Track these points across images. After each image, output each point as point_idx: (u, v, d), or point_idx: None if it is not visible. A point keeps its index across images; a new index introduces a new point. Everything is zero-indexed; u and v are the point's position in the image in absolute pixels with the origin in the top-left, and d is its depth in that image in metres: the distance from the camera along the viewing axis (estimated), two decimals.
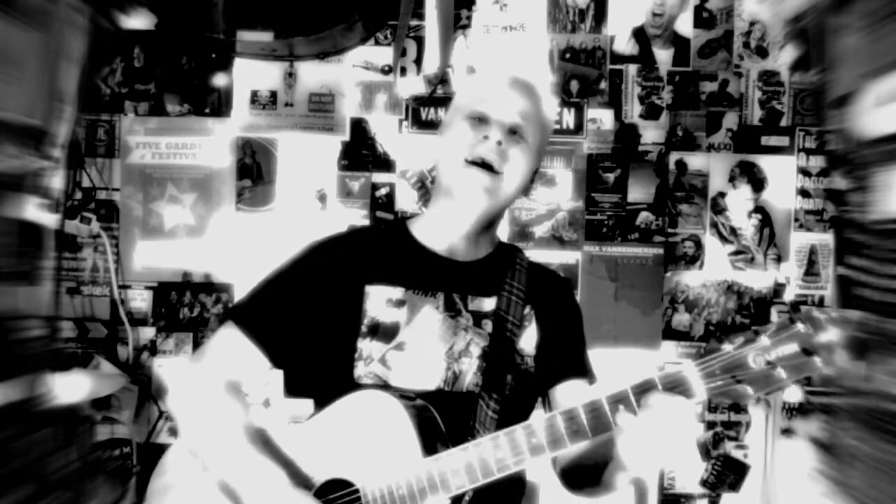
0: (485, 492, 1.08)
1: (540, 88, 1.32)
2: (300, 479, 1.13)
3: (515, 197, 1.30)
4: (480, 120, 1.24)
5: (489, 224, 1.32)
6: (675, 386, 0.96)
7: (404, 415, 1.09)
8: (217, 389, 1.19)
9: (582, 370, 1.33)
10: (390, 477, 1.08)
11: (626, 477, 1.05)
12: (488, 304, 1.28)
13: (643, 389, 0.97)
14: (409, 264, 1.28)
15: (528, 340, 1.30)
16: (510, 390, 1.24)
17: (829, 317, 0.90)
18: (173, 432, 2.52)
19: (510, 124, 1.24)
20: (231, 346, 1.24)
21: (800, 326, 0.91)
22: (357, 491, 1.10)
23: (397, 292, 1.24)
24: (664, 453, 0.94)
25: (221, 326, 1.27)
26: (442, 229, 1.31)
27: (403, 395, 1.14)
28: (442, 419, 1.14)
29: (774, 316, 2.55)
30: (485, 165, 1.22)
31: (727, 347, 0.95)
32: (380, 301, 1.24)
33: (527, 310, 1.30)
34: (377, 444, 1.09)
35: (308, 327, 1.24)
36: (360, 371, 1.21)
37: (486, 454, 1.03)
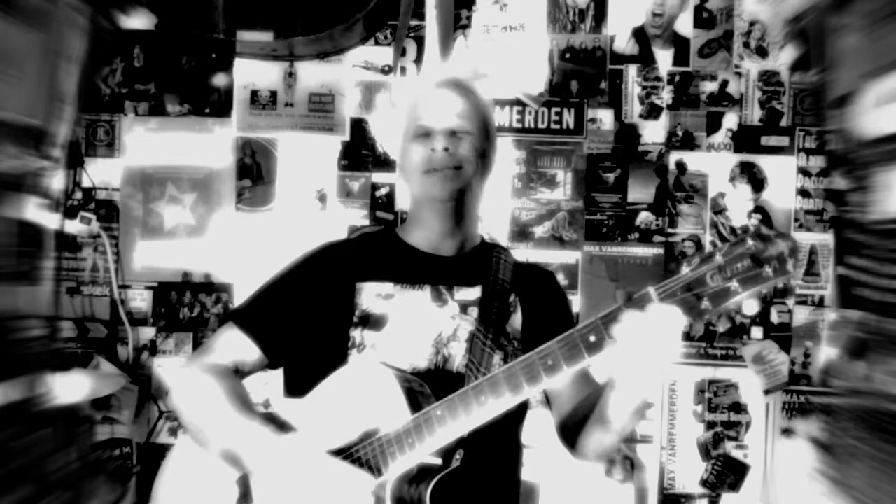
0: (478, 458, 1.13)
1: (469, 81, 1.42)
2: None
3: (479, 179, 1.36)
4: (425, 135, 1.34)
5: (462, 216, 1.37)
6: (642, 307, 1.00)
7: (395, 383, 1.14)
8: (210, 373, 1.25)
9: None
10: (381, 434, 1.12)
11: (617, 400, 1.07)
12: (473, 293, 1.34)
13: (611, 318, 1.01)
14: (396, 262, 1.36)
15: (515, 324, 1.35)
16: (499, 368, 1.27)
17: (777, 232, 0.96)
18: (173, 432, 2.52)
19: (451, 128, 1.33)
20: (227, 342, 1.30)
21: (750, 242, 0.96)
22: (351, 454, 1.14)
23: (387, 287, 1.32)
24: (639, 361, 0.99)
25: (221, 327, 1.34)
26: (424, 230, 1.38)
27: (398, 370, 1.19)
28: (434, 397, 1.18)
29: (774, 316, 2.55)
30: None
31: (685, 269, 1.00)
32: (370, 295, 1.31)
33: (511, 297, 1.36)
34: (369, 409, 1.14)
35: (303, 323, 1.30)
36: (355, 359, 1.26)
37: (470, 401, 1.08)
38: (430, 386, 1.19)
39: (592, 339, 1.02)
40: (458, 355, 1.28)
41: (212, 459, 1.20)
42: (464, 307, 1.32)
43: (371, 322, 1.28)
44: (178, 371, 1.31)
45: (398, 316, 1.29)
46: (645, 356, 0.99)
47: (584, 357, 1.03)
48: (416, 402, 1.14)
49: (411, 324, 1.29)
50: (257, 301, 1.34)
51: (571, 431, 1.28)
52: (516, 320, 1.36)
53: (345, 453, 1.14)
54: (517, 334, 1.34)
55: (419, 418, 1.10)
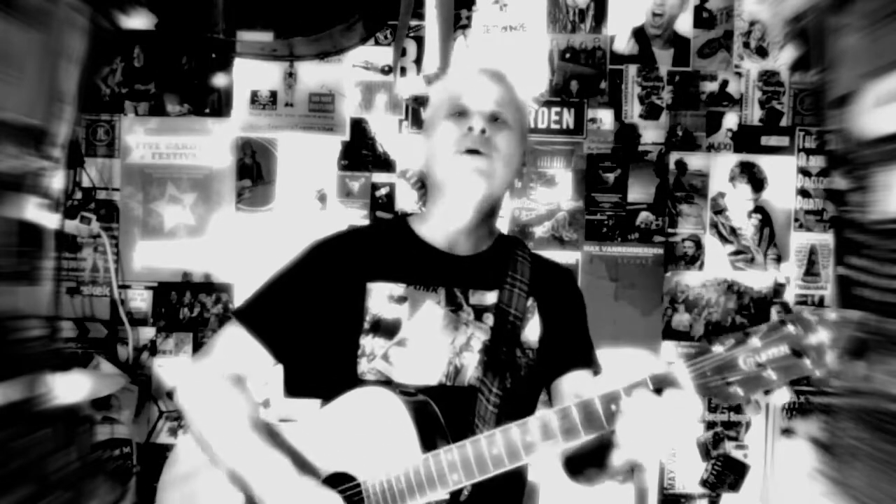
0: (484, 487, 1.10)
1: (510, 76, 1.36)
2: (308, 470, 1.14)
3: (510, 181, 1.32)
4: (461, 114, 1.27)
5: (488, 214, 1.32)
6: (666, 386, 0.97)
7: (404, 411, 1.10)
8: (222, 383, 1.22)
9: (585, 360, 1.33)
10: (390, 471, 1.10)
11: (622, 460, 1.05)
12: (490, 297, 1.29)
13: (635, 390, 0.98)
14: (410, 260, 1.29)
15: (531, 333, 1.31)
16: (511, 384, 1.25)
17: (819, 318, 0.90)
18: (173, 432, 2.52)
19: (490, 112, 1.27)
20: (234, 342, 1.26)
21: (790, 328, 0.90)
22: (359, 485, 1.12)
23: (398, 288, 1.26)
24: (656, 448, 0.97)
25: (225, 325, 1.29)
26: (442, 225, 1.31)
27: (404, 392, 1.16)
28: (443, 414, 1.16)
29: (774, 316, 2.55)
30: (474, 152, 1.25)
31: (718, 349, 0.94)
32: (381, 297, 1.25)
33: (529, 302, 1.31)
34: (378, 439, 1.11)
35: (311, 324, 1.26)
36: (364, 368, 1.23)
37: (482, 451, 1.05)
38: (441, 403, 1.16)
39: (613, 408, 0.98)
40: (470, 366, 1.24)
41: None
42: (479, 313, 1.27)
43: (382, 329, 1.24)
44: (185, 375, 1.26)
45: (410, 322, 1.24)
46: (656, 442, 0.96)
47: (603, 426, 0.99)
48: (428, 435, 1.11)
49: (423, 332, 1.24)
50: (264, 298, 1.29)
51: (570, 460, 1.26)
52: (533, 328, 1.31)
53: (353, 491, 1.12)
54: (532, 344, 1.30)
55: (429, 461, 1.07)
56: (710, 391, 0.94)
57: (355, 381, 1.21)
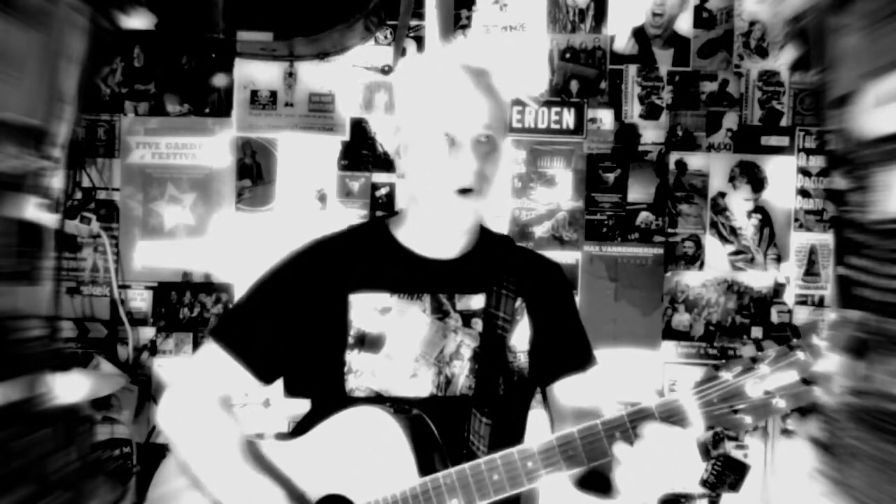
0: None
1: (489, 66, 1.24)
2: (296, 496, 1.13)
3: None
4: (447, 137, 1.17)
5: (472, 223, 1.26)
6: (672, 415, 0.96)
7: (398, 430, 1.08)
8: (207, 407, 1.19)
9: (579, 363, 1.29)
10: (386, 493, 1.08)
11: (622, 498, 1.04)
12: (477, 301, 1.25)
13: (640, 418, 0.98)
14: (392, 268, 1.24)
15: (521, 336, 1.27)
16: (503, 391, 1.23)
17: (829, 344, 0.90)
18: None
19: (479, 135, 1.17)
20: (215, 363, 1.22)
21: (799, 354, 0.90)
22: None
23: (382, 299, 1.22)
24: (660, 484, 0.96)
25: (205, 343, 1.25)
26: (424, 231, 1.26)
27: (398, 410, 1.13)
28: (436, 426, 1.14)
29: (775, 316, 2.55)
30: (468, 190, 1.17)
31: (725, 375, 0.94)
32: (365, 310, 1.21)
33: (518, 303, 1.26)
34: (372, 460, 1.10)
35: (293, 340, 1.22)
36: (352, 384, 1.19)
37: (482, 477, 1.04)
38: (434, 415, 1.14)
39: (617, 435, 0.98)
40: (461, 375, 1.21)
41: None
42: (466, 319, 1.23)
43: (367, 343, 1.19)
44: (166, 398, 1.23)
45: (396, 334, 1.20)
46: (653, 485, 0.95)
47: (606, 454, 0.98)
48: (424, 455, 1.09)
49: (411, 343, 1.20)
50: (241, 314, 1.26)
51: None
52: (522, 330, 1.27)
53: None
54: (523, 347, 1.27)
55: (427, 485, 1.06)
56: (716, 419, 0.94)
57: (344, 398, 1.18)
